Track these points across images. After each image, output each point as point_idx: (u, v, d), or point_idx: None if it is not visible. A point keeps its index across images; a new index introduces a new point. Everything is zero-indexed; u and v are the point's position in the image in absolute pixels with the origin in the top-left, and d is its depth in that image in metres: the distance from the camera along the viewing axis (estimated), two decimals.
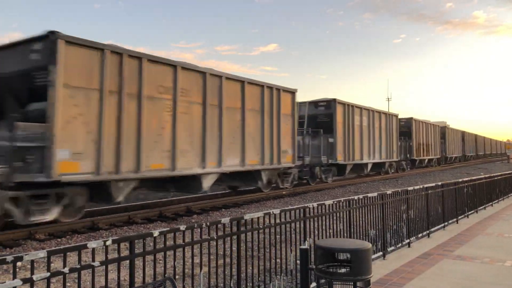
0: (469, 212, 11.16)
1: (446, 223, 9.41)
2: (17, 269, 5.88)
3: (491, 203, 13.35)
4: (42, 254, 2.71)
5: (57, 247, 3.02)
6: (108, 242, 3.13)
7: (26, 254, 2.63)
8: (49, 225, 9.55)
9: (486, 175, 13.99)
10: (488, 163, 55.57)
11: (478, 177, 13.03)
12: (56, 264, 6.40)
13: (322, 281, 3.49)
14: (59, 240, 8.76)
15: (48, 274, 2.71)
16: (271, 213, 4.82)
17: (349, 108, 22.03)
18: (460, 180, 11.16)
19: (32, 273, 2.67)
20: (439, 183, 9.57)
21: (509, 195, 16.08)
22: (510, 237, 8.49)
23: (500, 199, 14.72)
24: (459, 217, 10.30)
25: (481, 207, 12.30)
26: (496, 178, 14.47)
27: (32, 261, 2.71)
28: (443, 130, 41.35)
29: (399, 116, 30.59)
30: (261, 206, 13.76)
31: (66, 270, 2.82)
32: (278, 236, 5.00)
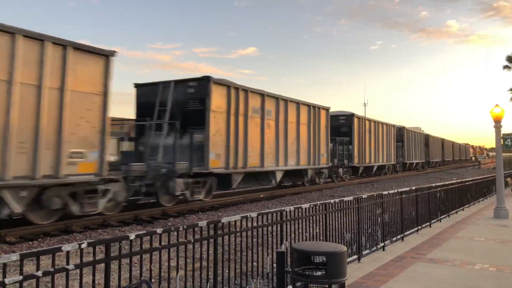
0: (442, 216, 11.44)
1: (419, 227, 9.61)
2: None
3: (462, 207, 13.71)
4: (14, 257, 2.65)
5: (30, 250, 2.96)
6: (83, 245, 3.08)
7: None
8: (21, 228, 9.32)
9: (458, 180, 14.37)
10: (460, 168, 57.03)
11: (450, 182, 13.37)
12: (28, 268, 6.25)
13: (298, 284, 3.53)
14: (30, 243, 8.55)
15: (21, 277, 2.66)
16: (248, 216, 4.83)
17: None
18: (434, 184, 11.43)
19: (4, 277, 2.61)
20: (413, 188, 9.78)
21: (479, 200, 16.54)
22: (480, 240, 8.74)
23: (471, 203, 15.13)
24: (432, 221, 10.54)
25: (453, 211, 12.61)
26: (467, 183, 14.87)
27: (5, 264, 2.65)
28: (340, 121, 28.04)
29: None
30: (238, 209, 13.75)
31: (39, 273, 2.77)
32: (255, 240, 5.02)
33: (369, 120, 29.49)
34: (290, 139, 18.67)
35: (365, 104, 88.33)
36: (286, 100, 18.45)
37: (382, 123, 32.05)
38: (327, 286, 3.32)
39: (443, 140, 58.28)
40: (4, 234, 8.78)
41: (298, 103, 19.41)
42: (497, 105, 12.51)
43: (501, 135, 13.46)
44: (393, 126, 34.49)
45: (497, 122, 12.57)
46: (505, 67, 40.10)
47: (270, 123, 17.33)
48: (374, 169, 30.49)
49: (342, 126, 26.80)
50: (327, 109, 22.45)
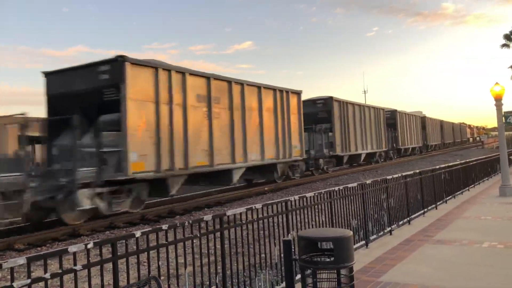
0: (447, 198, 11.42)
1: (425, 210, 9.61)
2: None
3: (467, 187, 13.69)
4: (21, 261, 2.66)
5: (36, 253, 2.98)
6: (90, 245, 3.09)
7: (4, 262, 2.58)
8: (28, 235, 9.36)
9: (462, 161, 14.34)
10: (464, 149, 56.88)
11: (454, 163, 13.34)
12: (38, 273, 6.28)
13: (307, 272, 3.52)
14: (38, 249, 8.59)
15: (29, 280, 2.67)
16: (253, 208, 4.83)
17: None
18: (437, 167, 11.40)
19: (12, 281, 2.62)
20: (417, 171, 9.76)
21: (484, 180, 16.51)
22: (487, 219, 8.73)
23: (476, 183, 15.10)
24: (438, 203, 10.52)
25: (458, 192, 12.60)
26: (471, 163, 14.84)
27: (12, 269, 2.66)
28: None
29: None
30: (244, 203, 13.77)
31: (47, 275, 2.77)
32: (261, 232, 5.02)
33: (353, 104, 26.80)
34: (251, 130, 15.96)
35: (365, 91, 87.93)
36: (242, 84, 15.78)
37: (369, 107, 29.70)
38: (335, 271, 3.32)
39: (441, 122, 55.50)
40: (13, 242, 8.82)
41: (259, 87, 16.78)
42: (497, 83, 12.45)
43: (503, 113, 13.41)
44: (382, 109, 32.18)
45: (498, 101, 12.51)
46: (503, 45, 39.98)
47: (220, 112, 14.50)
48: (362, 157, 28.05)
49: (320, 112, 24.33)
50: (298, 93, 19.65)
